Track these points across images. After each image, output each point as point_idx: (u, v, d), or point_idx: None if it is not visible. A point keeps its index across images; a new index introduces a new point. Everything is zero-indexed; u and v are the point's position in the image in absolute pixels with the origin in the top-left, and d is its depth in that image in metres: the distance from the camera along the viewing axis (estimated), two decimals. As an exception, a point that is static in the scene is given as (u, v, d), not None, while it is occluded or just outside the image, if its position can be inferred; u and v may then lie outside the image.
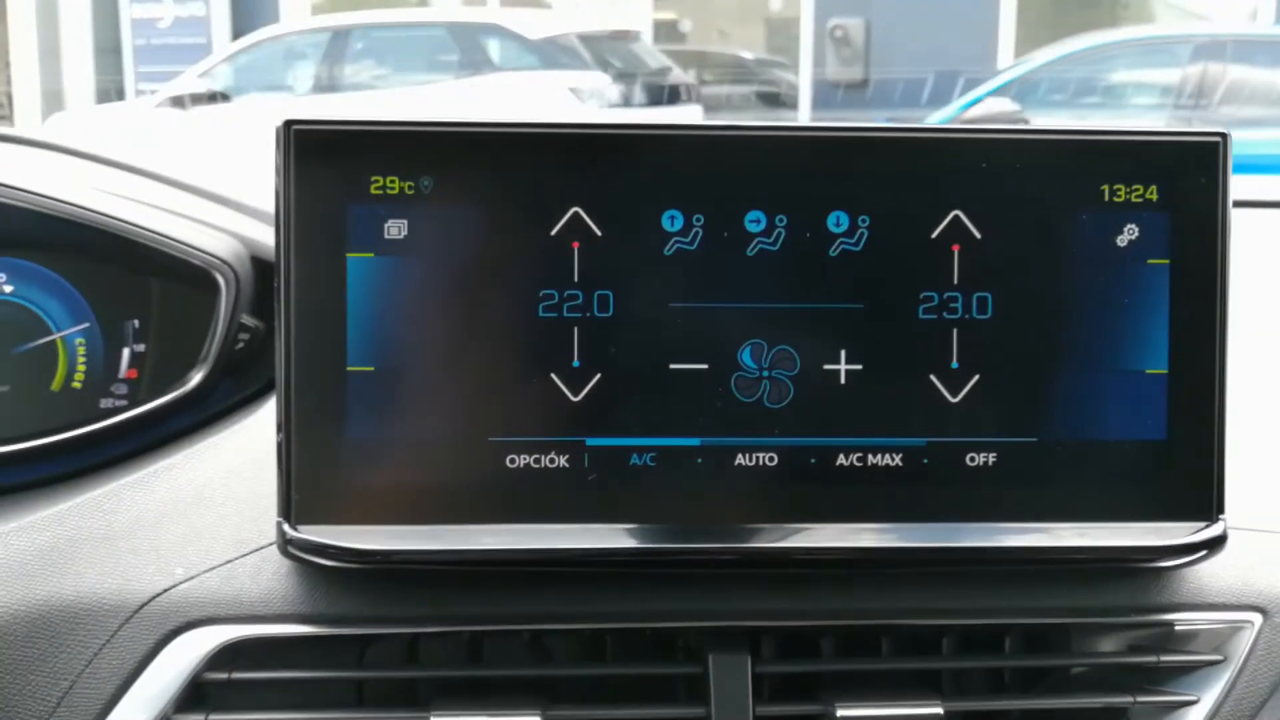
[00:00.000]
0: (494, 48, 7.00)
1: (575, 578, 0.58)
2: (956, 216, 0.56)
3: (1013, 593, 0.59)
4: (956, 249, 0.56)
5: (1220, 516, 0.56)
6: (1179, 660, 0.58)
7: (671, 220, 0.55)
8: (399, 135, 0.55)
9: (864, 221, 0.55)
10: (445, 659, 0.60)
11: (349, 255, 0.54)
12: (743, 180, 0.55)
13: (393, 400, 0.55)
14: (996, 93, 5.68)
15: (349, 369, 0.55)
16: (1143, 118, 5.60)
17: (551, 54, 6.83)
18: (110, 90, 8.97)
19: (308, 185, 0.54)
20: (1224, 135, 0.56)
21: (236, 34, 8.57)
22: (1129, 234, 0.56)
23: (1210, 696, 0.58)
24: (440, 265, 0.55)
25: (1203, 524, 0.56)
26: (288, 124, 0.54)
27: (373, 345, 0.55)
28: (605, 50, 7.05)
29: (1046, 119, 5.65)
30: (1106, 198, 0.56)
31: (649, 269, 0.55)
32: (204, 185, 0.78)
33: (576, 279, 0.55)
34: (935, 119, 5.59)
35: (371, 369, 0.55)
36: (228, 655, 0.56)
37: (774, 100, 8.74)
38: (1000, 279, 0.56)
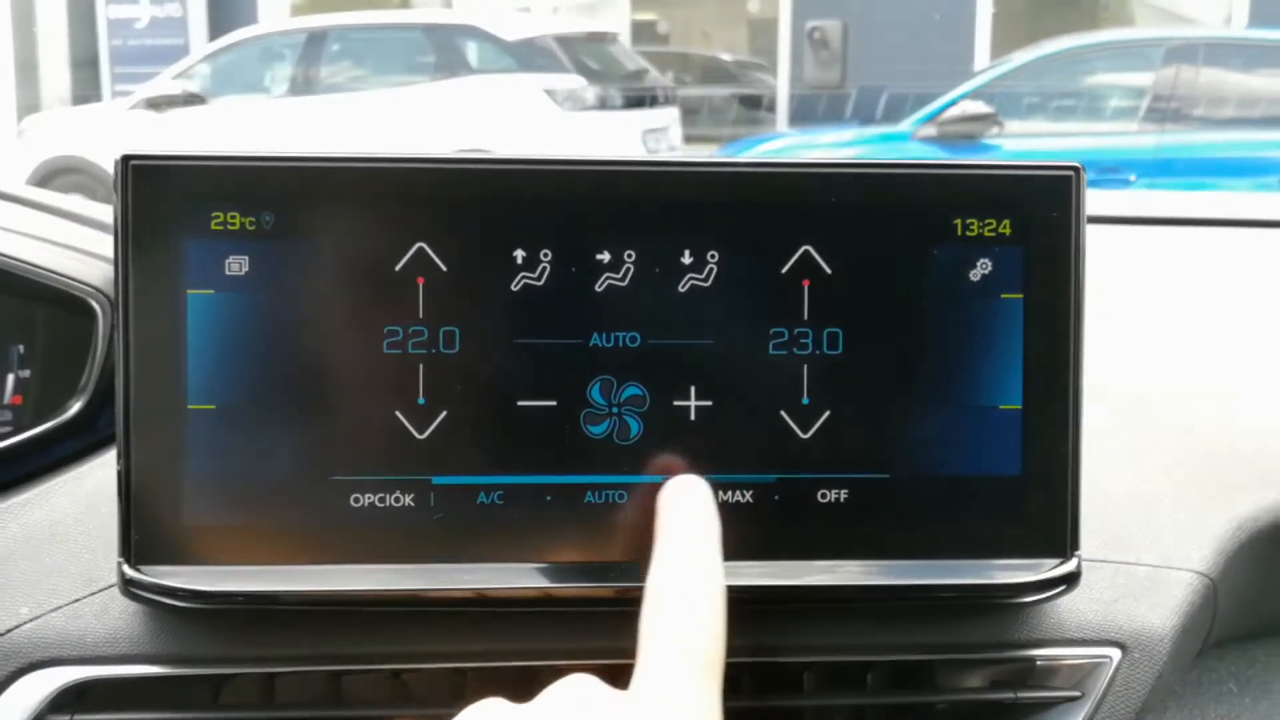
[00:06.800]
0: (470, 50, 6.98)
1: (429, 616, 0.57)
2: (806, 251, 0.55)
3: (875, 629, 0.59)
4: (807, 284, 0.55)
5: (1075, 553, 0.56)
6: (1037, 696, 0.58)
7: (518, 255, 0.54)
8: (239, 170, 0.54)
9: (713, 257, 0.55)
10: (303, 699, 0.59)
11: (189, 292, 0.54)
12: (590, 215, 0.55)
13: (234, 439, 0.54)
14: (971, 95, 5.68)
15: (189, 407, 0.54)
16: (1117, 120, 5.62)
17: (528, 56, 6.81)
18: (88, 95, 8.92)
19: (146, 221, 0.53)
20: (1077, 169, 0.56)
21: (214, 35, 8.54)
22: (982, 268, 0.56)
23: (1067, 733, 0.57)
24: (282, 302, 0.54)
25: (1058, 560, 0.56)
26: (125, 159, 0.53)
27: (214, 383, 0.54)
28: (582, 52, 7.03)
29: (1021, 122, 5.66)
30: (959, 232, 0.55)
31: (495, 305, 0.54)
32: (83, 211, 0.77)
33: (421, 315, 0.54)
34: (907, 122, 5.59)
35: (213, 407, 0.54)
36: (71, 697, 0.56)
37: (754, 103, 8.74)
38: (851, 314, 0.55)
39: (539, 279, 0.54)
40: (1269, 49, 5.70)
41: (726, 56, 9.29)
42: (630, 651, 0.57)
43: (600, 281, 0.55)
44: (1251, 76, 5.52)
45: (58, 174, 6.60)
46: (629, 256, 0.55)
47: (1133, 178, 4.80)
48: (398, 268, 0.54)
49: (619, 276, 0.55)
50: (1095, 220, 0.58)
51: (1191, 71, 5.48)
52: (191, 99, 6.84)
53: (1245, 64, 5.59)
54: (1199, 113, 5.41)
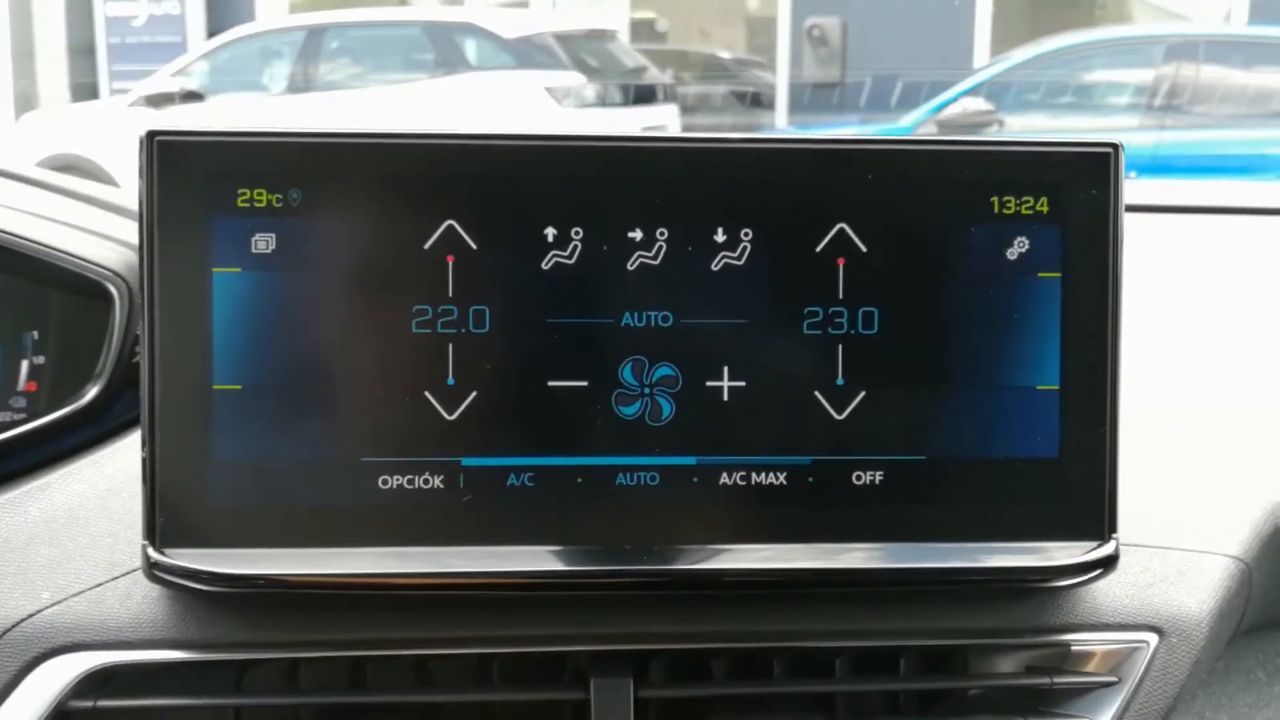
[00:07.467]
0: (469, 47, 6.96)
1: (456, 601, 0.56)
2: (841, 229, 0.54)
3: (908, 613, 0.58)
4: (841, 263, 0.54)
5: (1113, 535, 0.55)
6: (1073, 682, 0.57)
7: (549, 233, 0.54)
8: (265, 146, 0.53)
9: (746, 235, 0.54)
10: (326, 684, 0.58)
11: (214, 270, 0.53)
12: (622, 192, 0.54)
13: (260, 420, 0.53)
14: (971, 92, 5.68)
15: (214, 387, 0.53)
16: (1117, 117, 5.62)
17: (527, 53, 6.79)
18: (85, 90, 8.91)
19: (171, 198, 0.52)
20: (1115, 146, 0.55)
21: (212, 32, 8.52)
22: (1019, 247, 0.55)
23: (1104, 718, 0.56)
24: (309, 280, 0.53)
25: (1095, 543, 0.55)
26: (150, 134, 0.52)
27: (239, 363, 0.53)
28: (581, 50, 7.02)
29: (1021, 119, 5.66)
30: (996, 210, 0.55)
31: (526, 283, 0.54)
32: (99, 195, 0.76)
33: (451, 294, 0.53)
34: (907, 120, 5.59)
35: (238, 387, 0.53)
36: (94, 682, 0.55)
37: (753, 100, 8.73)
38: (887, 293, 0.54)
39: (570, 257, 0.54)
40: (1269, 46, 5.69)
41: (725, 54, 9.27)
42: (657, 636, 0.57)
43: (632, 260, 0.54)
44: (1251, 74, 5.51)
45: (57, 171, 6.57)
46: (661, 234, 0.54)
47: (1133, 175, 4.79)
48: (427, 245, 0.53)
49: (651, 255, 0.54)
50: (1127, 208, 0.57)
51: (1191, 69, 5.47)
52: (190, 96, 6.82)
53: (1245, 61, 5.58)
54: (1199, 110, 5.40)
